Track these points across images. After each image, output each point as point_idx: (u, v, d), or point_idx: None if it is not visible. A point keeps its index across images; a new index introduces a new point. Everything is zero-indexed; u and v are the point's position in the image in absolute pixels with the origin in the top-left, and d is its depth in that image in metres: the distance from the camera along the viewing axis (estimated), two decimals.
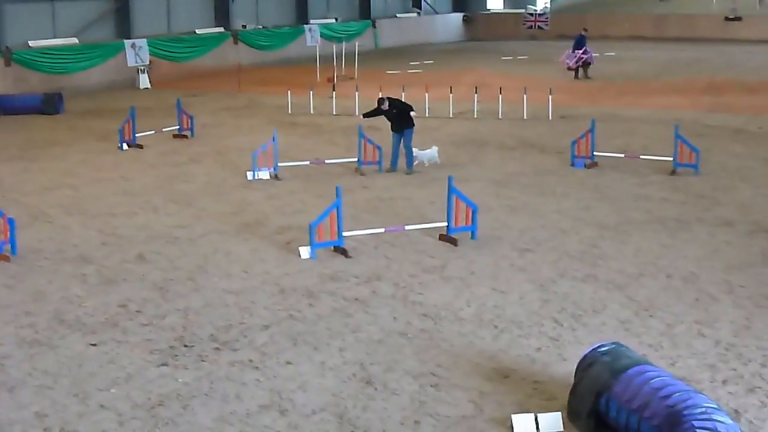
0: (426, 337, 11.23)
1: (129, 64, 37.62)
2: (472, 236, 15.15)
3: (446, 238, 15.05)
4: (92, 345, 11.09)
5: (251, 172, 19.89)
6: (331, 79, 35.17)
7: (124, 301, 12.56)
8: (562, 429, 8.87)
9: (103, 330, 11.55)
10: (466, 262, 14.11)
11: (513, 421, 8.92)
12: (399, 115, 20.13)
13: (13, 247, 14.63)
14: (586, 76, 37.80)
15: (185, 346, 11.02)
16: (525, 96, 27.64)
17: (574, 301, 12.40)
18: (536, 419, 8.92)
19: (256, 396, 9.72)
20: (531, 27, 62.79)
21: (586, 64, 38.01)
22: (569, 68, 38.22)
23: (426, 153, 20.97)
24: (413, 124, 20.25)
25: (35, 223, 16.56)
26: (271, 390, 9.85)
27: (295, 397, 9.69)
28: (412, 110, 20.21)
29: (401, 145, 20.28)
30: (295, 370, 10.34)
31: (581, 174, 20.13)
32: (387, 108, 20.19)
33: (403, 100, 21.49)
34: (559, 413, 9.00)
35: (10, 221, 14.63)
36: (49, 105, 30.30)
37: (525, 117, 27.50)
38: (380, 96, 21.10)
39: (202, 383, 10.02)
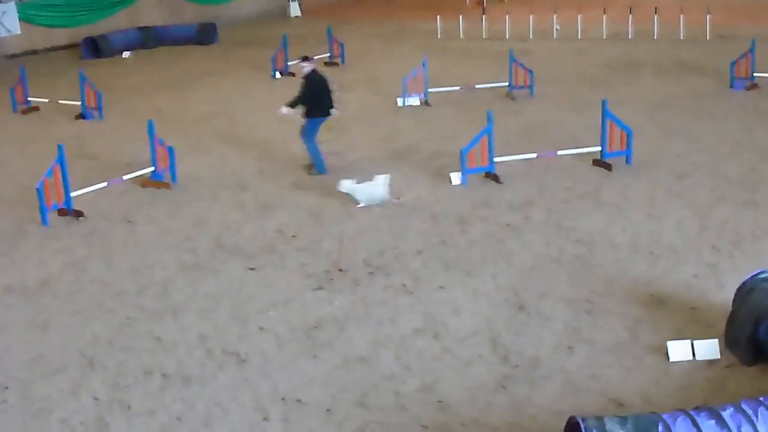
0: (580, 263, 11.15)
1: None
2: (627, 161, 14.87)
3: (600, 163, 14.82)
4: (251, 269, 11.41)
5: (401, 99, 19.93)
6: (480, 3, 34.77)
7: (280, 227, 12.85)
8: (719, 356, 8.71)
9: (260, 255, 11.87)
10: (621, 187, 13.87)
11: (669, 348, 8.81)
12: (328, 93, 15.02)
13: (173, 174, 15.12)
14: None
15: (340, 270, 11.23)
16: (681, 16, 26.79)
17: (732, 227, 12.08)
18: (692, 346, 8.79)
19: (410, 320, 9.85)
20: None
21: None
22: None
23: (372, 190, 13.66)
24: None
25: (193, 151, 17.02)
26: (425, 314, 9.96)
27: (448, 321, 9.78)
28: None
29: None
30: (447, 294, 10.43)
31: (741, 96, 19.46)
32: (313, 74, 14.75)
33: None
34: (716, 340, 8.84)
35: (170, 150, 15.10)
36: (204, 35, 30.92)
37: (681, 38, 26.67)
38: (304, 56, 15.31)
39: (357, 307, 10.21)
